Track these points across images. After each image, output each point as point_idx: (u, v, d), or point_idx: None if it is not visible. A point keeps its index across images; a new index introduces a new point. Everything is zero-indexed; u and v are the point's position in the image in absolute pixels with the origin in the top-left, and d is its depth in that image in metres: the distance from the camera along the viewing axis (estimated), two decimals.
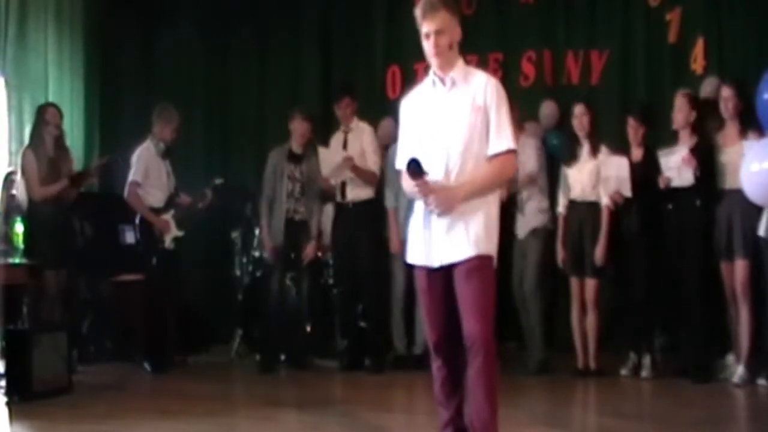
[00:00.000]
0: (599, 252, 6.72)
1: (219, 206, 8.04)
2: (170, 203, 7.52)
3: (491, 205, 3.98)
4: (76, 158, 7.87)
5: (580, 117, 6.90)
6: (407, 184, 4.04)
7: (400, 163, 4.10)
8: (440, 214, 3.89)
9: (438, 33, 3.91)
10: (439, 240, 3.93)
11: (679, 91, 6.87)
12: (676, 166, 6.47)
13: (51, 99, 8.02)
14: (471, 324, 3.85)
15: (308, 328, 7.64)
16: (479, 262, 3.89)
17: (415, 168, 3.85)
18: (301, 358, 7.42)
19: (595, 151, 6.82)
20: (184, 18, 9.40)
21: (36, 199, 7.08)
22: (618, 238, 6.75)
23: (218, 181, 7.91)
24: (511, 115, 3.98)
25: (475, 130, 3.92)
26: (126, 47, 9.42)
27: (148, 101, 8.38)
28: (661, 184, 6.53)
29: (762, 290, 6.27)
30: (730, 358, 6.51)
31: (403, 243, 6.80)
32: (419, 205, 4.03)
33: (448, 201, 3.87)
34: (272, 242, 7.41)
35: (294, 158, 7.47)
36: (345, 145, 7.39)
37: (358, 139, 7.39)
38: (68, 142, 7.58)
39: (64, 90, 8.48)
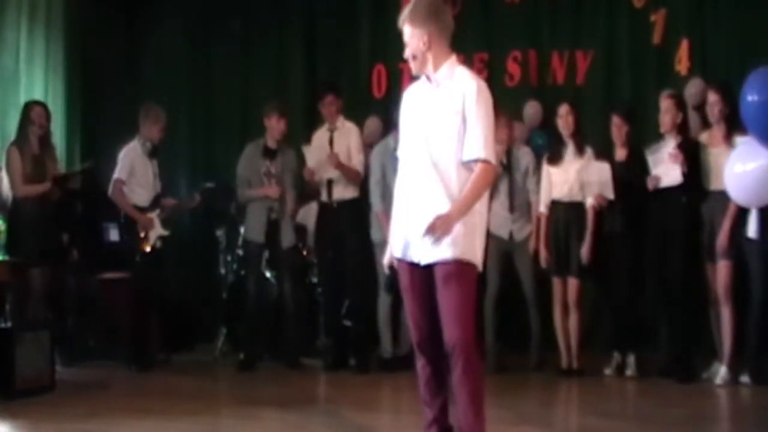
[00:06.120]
0: (585, 251, 6.73)
1: (205, 207, 8.03)
2: (156, 203, 7.49)
3: (472, 213, 3.95)
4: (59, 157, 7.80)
5: (565, 117, 6.88)
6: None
7: (400, 151, 4.18)
8: (439, 237, 3.87)
9: (406, 44, 4.08)
10: (417, 238, 3.94)
11: (664, 92, 6.90)
12: (664, 163, 6.47)
13: (25, 97, 7.88)
14: (450, 330, 3.88)
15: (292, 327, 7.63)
16: (459, 267, 3.89)
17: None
18: (291, 357, 7.39)
19: (581, 151, 6.82)
20: (167, 15, 9.35)
21: (19, 197, 7.05)
22: (601, 238, 6.76)
23: (208, 185, 7.90)
24: (492, 122, 3.98)
25: (455, 132, 3.94)
26: (108, 45, 9.27)
27: (132, 100, 8.33)
28: (650, 186, 6.53)
29: (745, 291, 6.30)
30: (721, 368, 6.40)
31: None
32: (398, 200, 4.12)
33: (447, 225, 3.86)
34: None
35: (269, 153, 7.46)
36: (331, 144, 7.34)
37: (345, 138, 7.36)
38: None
39: (37, 87, 8.23)
